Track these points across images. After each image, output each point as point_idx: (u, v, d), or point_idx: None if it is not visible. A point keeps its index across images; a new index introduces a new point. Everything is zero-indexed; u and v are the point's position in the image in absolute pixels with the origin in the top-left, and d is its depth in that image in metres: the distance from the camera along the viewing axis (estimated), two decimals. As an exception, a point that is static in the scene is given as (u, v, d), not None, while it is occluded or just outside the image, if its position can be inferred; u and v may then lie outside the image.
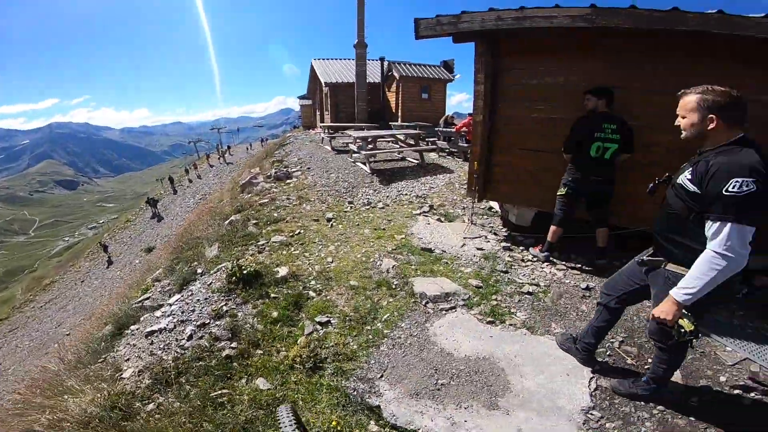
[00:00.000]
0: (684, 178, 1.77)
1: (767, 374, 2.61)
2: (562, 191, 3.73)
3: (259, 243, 4.73)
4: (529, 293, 3.43)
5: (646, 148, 3.53)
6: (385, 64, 17.03)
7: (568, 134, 3.53)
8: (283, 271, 3.84)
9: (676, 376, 2.55)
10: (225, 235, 5.28)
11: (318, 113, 21.49)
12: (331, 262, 4.08)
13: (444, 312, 3.18)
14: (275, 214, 5.71)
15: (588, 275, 3.80)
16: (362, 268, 3.91)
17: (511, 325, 3.01)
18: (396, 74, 16.02)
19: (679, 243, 1.85)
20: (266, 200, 6.42)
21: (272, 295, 3.45)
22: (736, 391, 2.49)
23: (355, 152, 8.58)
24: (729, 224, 1.52)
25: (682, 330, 1.70)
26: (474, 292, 3.42)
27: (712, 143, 1.72)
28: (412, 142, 9.82)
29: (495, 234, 4.68)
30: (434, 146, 10.18)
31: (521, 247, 4.34)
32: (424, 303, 3.28)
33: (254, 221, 5.55)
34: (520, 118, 4.06)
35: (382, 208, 5.86)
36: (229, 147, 38.69)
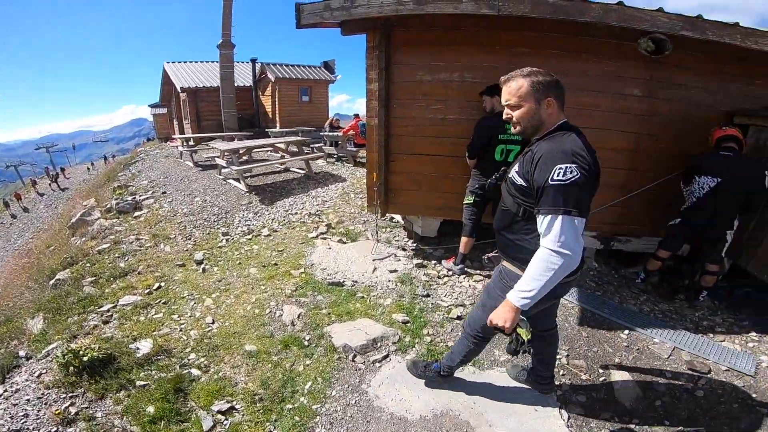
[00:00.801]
0: (513, 171, 1.71)
1: (700, 361, 2.79)
2: (469, 199, 3.57)
3: (102, 309, 3.59)
4: (458, 318, 3.18)
5: None
6: (258, 65, 15.95)
7: (472, 138, 3.38)
8: (145, 346, 2.93)
9: (626, 377, 2.58)
10: (50, 301, 3.94)
11: (176, 123, 19.04)
12: (212, 323, 3.25)
13: (378, 365, 2.70)
14: (121, 264, 4.47)
15: (507, 283, 3.74)
16: (257, 324, 3.17)
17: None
18: (271, 76, 15.07)
19: (509, 240, 1.79)
20: (106, 245, 5.04)
21: (138, 382, 2.58)
22: (681, 383, 2.60)
23: (224, 167, 7.52)
24: (560, 217, 1.42)
25: (520, 339, 1.56)
26: (402, 330, 3.02)
27: (544, 130, 1.62)
28: (295, 149, 9.12)
29: (403, 249, 4.37)
30: (321, 153, 9.64)
31: (433, 261, 4.11)
32: (351, 358, 2.76)
33: (91, 278, 4.25)
34: (416, 120, 3.81)
35: (269, 235, 5.08)
36: (63, 169, 32.03)
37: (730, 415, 2.34)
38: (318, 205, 6.14)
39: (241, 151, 7.74)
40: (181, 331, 3.18)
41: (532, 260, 1.50)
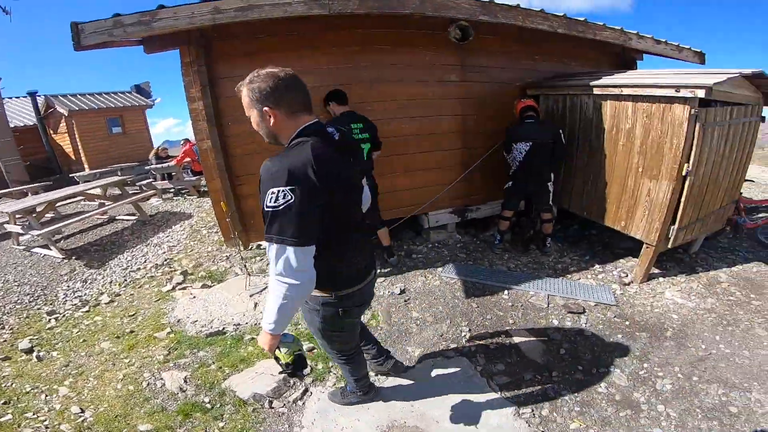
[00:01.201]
0: None
1: (572, 302, 3.31)
2: None
3: None
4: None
5: (389, 141, 3.84)
6: (40, 99, 12.98)
7: None
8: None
9: (526, 336, 2.93)
10: None
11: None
12: (83, 412, 2.60)
13: (301, 402, 2.50)
14: None
15: (392, 277, 3.88)
16: (140, 401, 2.65)
17: (378, 375, 2.65)
18: (61, 110, 12.45)
19: None
20: None
21: None
22: (569, 326, 3.04)
23: (22, 234, 5.94)
24: (275, 246, 1.34)
25: (280, 362, 1.58)
26: (311, 358, 2.85)
27: (285, 140, 1.49)
28: (117, 192, 7.78)
29: (281, 274, 4.14)
30: (152, 190, 8.46)
31: (315, 276, 4.00)
32: (267, 405, 2.49)
33: None
34: (256, 136, 3.55)
35: (112, 301, 4.22)
36: None
37: (621, 346, 2.84)
38: (164, 253, 5.35)
39: (39, 209, 6.22)
40: (48, 428, 2.48)
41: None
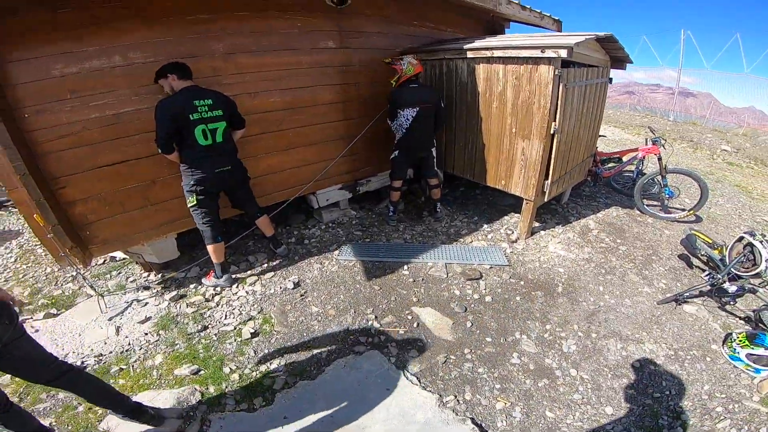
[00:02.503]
0: None
1: (469, 268, 3.46)
2: (192, 201, 3.15)
3: None
4: (255, 334, 2.91)
5: (257, 118, 3.57)
6: None
7: (156, 128, 2.88)
8: None
9: (431, 313, 2.95)
10: None
11: None
12: None
13: None
14: None
15: (283, 270, 3.67)
16: None
17: (285, 388, 2.48)
18: None
19: None
20: None
21: None
22: (470, 295, 3.14)
23: None
24: None
25: None
26: (199, 382, 2.54)
27: None
28: None
29: (147, 288, 3.58)
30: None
31: (192, 285, 3.58)
32: None
33: None
34: (74, 126, 2.91)
35: None
36: None
37: (522, 308, 3.02)
38: (-15, 281, 4.32)
39: None
40: None
41: None
